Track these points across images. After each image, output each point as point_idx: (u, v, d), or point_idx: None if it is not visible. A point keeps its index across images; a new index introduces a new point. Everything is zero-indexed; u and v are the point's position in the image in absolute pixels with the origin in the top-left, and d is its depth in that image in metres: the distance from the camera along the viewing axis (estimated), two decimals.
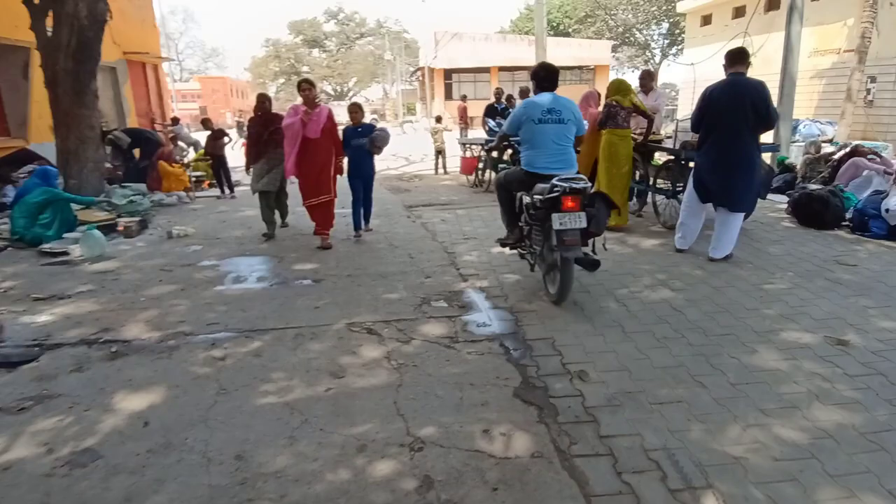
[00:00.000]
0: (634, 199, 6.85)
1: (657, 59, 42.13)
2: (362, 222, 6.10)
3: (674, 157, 6.04)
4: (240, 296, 4.27)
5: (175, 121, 14.40)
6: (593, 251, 3.83)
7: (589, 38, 37.08)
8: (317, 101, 5.58)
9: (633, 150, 5.99)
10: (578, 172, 3.89)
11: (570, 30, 43.40)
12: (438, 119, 12.31)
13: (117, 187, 7.89)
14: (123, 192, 7.53)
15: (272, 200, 6.20)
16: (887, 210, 5.16)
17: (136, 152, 9.66)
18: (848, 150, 7.48)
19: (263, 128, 6.00)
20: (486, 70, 32.45)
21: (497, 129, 8.92)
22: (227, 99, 66.75)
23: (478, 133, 18.86)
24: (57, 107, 7.15)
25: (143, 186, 8.48)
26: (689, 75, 18.20)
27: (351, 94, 75.23)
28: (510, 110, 9.75)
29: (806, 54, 13.32)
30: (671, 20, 36.68)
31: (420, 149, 17.85)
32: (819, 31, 15.29)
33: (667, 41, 41.31)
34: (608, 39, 37.78)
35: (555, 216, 3.52)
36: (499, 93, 10.48)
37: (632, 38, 44.87)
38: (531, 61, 33.07)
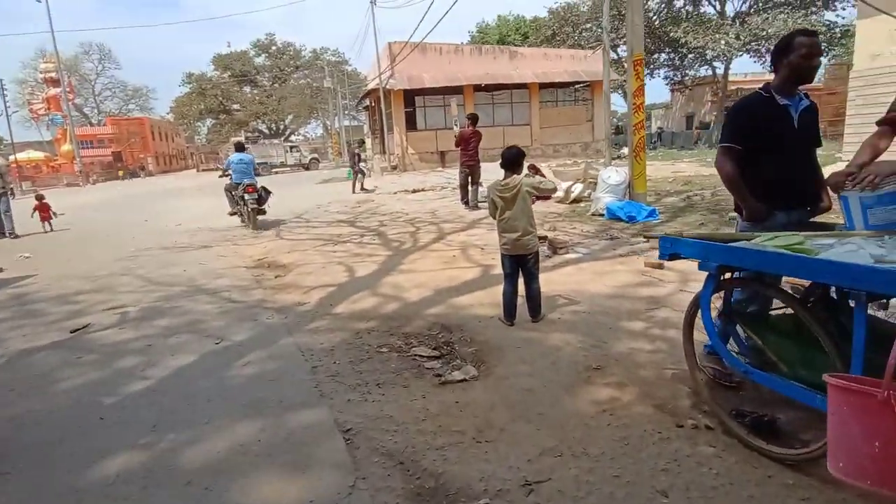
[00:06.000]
0: None
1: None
2: None
3: None
4: None
5: None
6: None
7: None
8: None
9: None
10: None
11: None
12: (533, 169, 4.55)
13: None
14: None
15: None
16: None
17: None
18: None
19: None
20: (457, 90, 25.38)
21: None
22: (146, 142, 56.70)
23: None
24: None
25: None
26: None
27: (288, 132, 66.79)
28: None
29: None
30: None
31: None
32: None
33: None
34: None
35: None
36: None
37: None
38: (514, 77, 26.23)
